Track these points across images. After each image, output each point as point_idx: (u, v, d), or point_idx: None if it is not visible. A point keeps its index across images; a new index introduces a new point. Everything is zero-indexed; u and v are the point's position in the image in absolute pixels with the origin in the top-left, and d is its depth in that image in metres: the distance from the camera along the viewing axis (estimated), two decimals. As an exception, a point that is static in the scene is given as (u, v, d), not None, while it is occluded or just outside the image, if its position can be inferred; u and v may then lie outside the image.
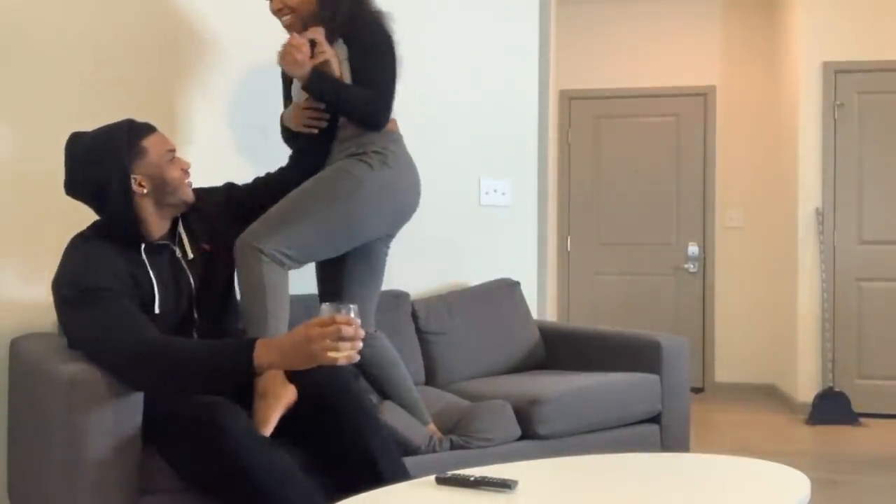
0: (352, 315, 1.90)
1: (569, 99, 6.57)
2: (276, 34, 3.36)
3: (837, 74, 5.57)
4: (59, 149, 2.91)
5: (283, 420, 2.21)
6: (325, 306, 1.92)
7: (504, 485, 1.81)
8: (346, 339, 1.87)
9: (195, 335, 2.36)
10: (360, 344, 1.91)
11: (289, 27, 2.72)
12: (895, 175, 5.55)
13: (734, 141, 6.42)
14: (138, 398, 2.11)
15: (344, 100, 2.59)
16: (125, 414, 2.08)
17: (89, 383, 2.04)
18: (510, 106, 4.02)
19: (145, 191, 2.25)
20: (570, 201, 6.59)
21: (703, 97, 6.44)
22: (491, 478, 1.83)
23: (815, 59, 5.59)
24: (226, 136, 3.27)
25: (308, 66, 2.54)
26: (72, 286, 2.15)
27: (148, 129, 2.31)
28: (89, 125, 2.98)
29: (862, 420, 5.30)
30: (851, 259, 5.57)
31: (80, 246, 2.25)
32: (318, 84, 2.57)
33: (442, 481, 1.87)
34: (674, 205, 6.47)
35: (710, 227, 6.43)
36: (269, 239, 2.48)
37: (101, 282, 2.14)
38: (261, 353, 1.95)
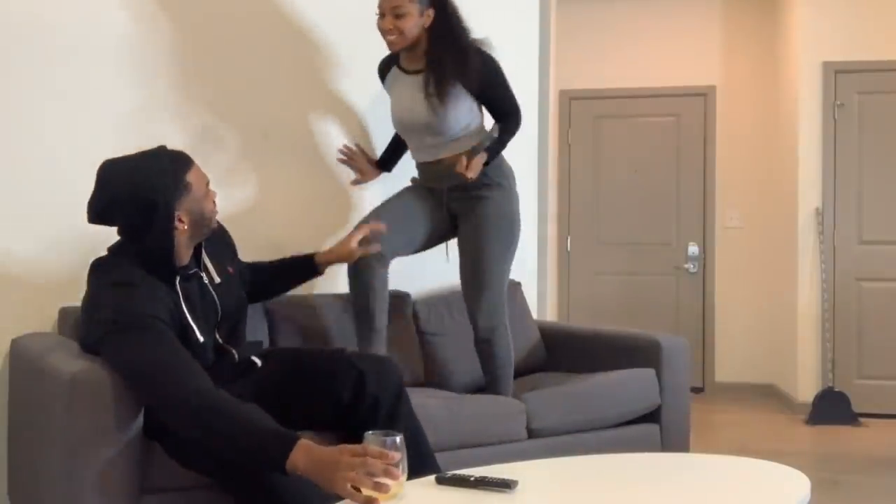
0: (396, 445, 1.70)
1: (569, 99, 6.58)
2: (275, 34, 3.37)
3: (837, 74, 5.57)
4: (64, 147, 2.92)
5: (338, 417, 2.32)
6: (369, 435, 1.75)
7: (504, 485, 1.81)
8: (372, 475, 1.66)
9: (235, 355, 2.35)
10: (395, 482, 1.68)
11: (390, 45, 2.94)
12: (895, 175, 5.55)
13: (734, 141, 6.42)
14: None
15: (512, 136, 3.10)
16: (126, 413, 2.08)
17: (89, 383, 2.04)
18: (510, 106, 4.01)
19: (185, 227, 2.19)
20: (570, 201, 6.60)
21: (703, 97, 6.45)
22: (491, 478, 1.84)
23: (815, 59, 5.60)
24: (226, 136, 3.27)
25: (481, 165, 2.95)
26: (120, 312, 2.06)
27: (188, 160, 2.24)
28: (89, 125, 2.98)
29: (862, 420, 5.30)
30: (851, 259, 5.57)
31: (116, 271, 2.15)
32: (493, 158, 3.03)
33: (442, 481, 1.87)
34: (674, 205, 6.47)
35: (710, 227, 6.43)
36: (502, 305, 3.10)
37: (149, 309, 2.07)
38: (297, 456, 1.82)
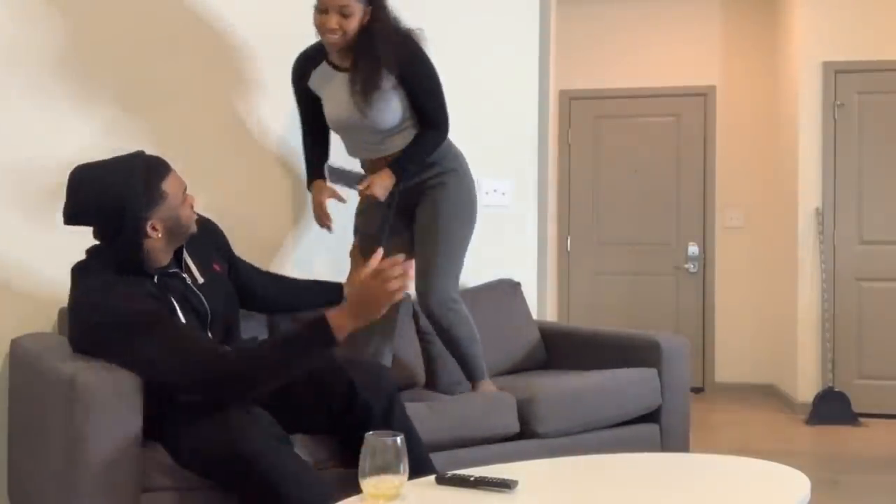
0: (398, 446, 1.71)
1: (569, 99, 6.58)
2: (268, 33, 3.37)
3: (837, 74, 5.57)
4: (61, 146, 2.92)
5: (332, 422, 2.34)
6: (370, 436, 1.71)
7: (504, 485, 1.81)
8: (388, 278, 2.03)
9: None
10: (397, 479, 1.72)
11: (331, 45, 2.82)
12: (895, 175, 5.55)
13: (734, 141, 6.42)
14: (139, 396, 2.11)
15: (427, 155, 2.95)
16: (125, 413, 2.08)
17: (89, 383, 2.04)
18: (510, 106, 4.02)
19: (159, 234, 2.21)
20: (570, 201, 6.59)
21: (703, 97, 6.44)
22: (491, 478, 1.84)
23: (815, 59, 5.59)
24: (223, 136, 3.27)
25: (383, 189, 2.87)
26: (116, 316, 2.10)
27: (164, 168, 2.24)
28: (87, 123, 2.99)
29: (862, 420, 5.30)
30: (851, 259, 5.57)
31: (94, 274, 2.20)
32: (408, 175, 2.92)
33: (442, 481, 1.87)
34: (674, 205, 6.47)
35: (710, 227, 6.43)
36: (454, 286, 2.98)
37: (144, 306, 2.12)
38: (337, 325, 2.05)
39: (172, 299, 2.22)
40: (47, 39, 2.92)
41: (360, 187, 2.88)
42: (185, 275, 2.32)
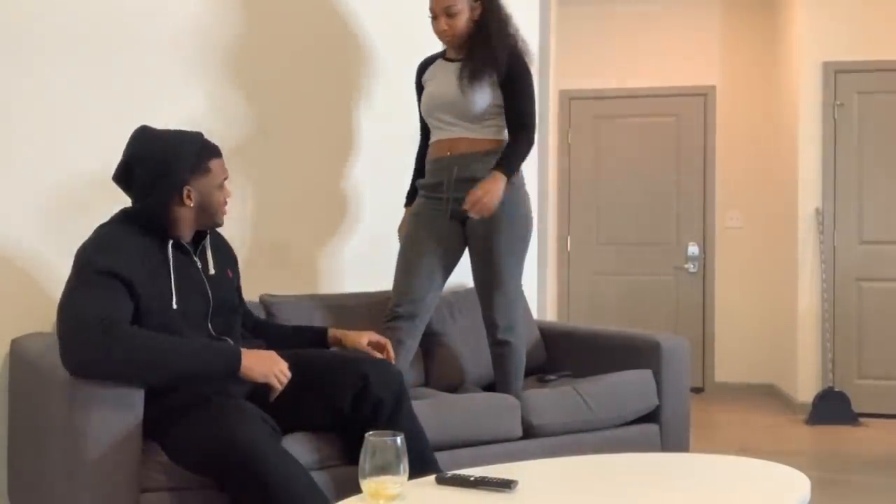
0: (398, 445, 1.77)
1: (569, 99, 6.58)
2: (269, 37, 3.37)
3: (837, 74, 5.58)
4: (65, 148, 2.92)
5: (336, 418, 2.37)
6: (370, 436, 1.74)
7: (504, 485, 1.81)
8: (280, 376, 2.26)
9: (230, 343, 2.38)
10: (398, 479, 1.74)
11: (447, 45, 3.11)
12: (895, 175, 5.55)
13: (734, 141, 6.42)
14: (139, 396, 2.11)
15: (524, 156, 3.04)
16: (125, 413, 2.08)
17: (89, 383, 2.05)
18: (510, 106, 4.01)
19: (191, 204, 2.32)
20: (570, 201, 6.60)
21: (703, 97, 6.44)
22: (491, 478, 1.84)
23: (815, 59, 5.60)
24: (226, 138, 3.27)
25: (499, 192, 2.92)
26: (88, 255, 2.19)
27: (216, 150, 2.39)
28: (91, 127, 2.99)
29: (862, 420, 5.30)
30: (851, 259, 5.57)
31: (112, 226, 2.30)
32: (513, 175, 3.00)
33: (442, 481, 1.87)
34: (674, 205, 6.47)
35: (710, 227, 6.43)
36: (520, 310, 3.11)
37: (117, 265, 2.16)
38: (246, 361, 2.19)
39: (171, 270, 2.27)
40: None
41: (467, 207, 2.90)
42: (196, 258, 2.38)
